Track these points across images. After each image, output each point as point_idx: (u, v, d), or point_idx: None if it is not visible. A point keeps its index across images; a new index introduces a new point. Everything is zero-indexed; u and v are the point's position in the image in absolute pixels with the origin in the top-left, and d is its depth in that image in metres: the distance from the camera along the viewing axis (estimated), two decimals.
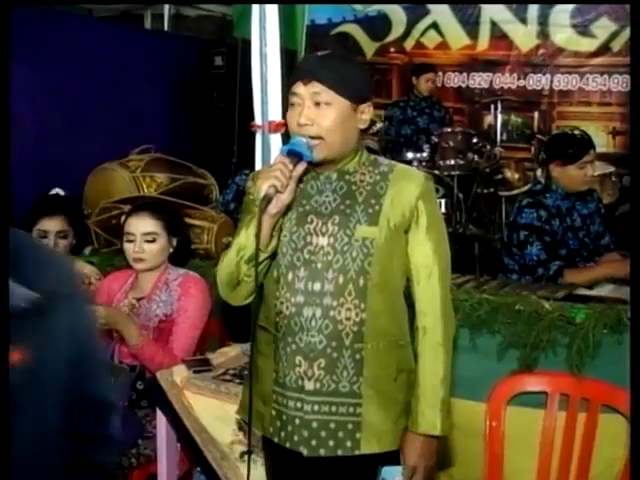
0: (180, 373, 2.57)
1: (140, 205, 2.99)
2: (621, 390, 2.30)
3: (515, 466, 2.41)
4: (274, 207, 1.75)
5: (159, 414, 2.59)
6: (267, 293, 1.90)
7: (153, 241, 2.85)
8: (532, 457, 2.40)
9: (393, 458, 1.89)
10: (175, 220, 3.01)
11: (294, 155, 1.77)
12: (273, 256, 1.86)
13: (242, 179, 4.41)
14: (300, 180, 1.84)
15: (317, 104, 1.80)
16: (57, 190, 3.40)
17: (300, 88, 1.81)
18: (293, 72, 1.89)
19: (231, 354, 2.78)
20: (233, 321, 3.11)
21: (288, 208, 1.83)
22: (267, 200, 1.73)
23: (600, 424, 2.35)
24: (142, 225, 2.86)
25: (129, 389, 2.71)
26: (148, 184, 4.79)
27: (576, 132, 3.37)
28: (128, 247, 2.86)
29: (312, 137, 1.80)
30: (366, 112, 1.87)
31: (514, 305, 2.52)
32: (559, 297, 2.69)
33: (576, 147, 3.22)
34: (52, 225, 3.12)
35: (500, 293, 2.72)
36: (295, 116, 1.82)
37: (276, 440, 1.91)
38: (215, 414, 2.48)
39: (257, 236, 1.75)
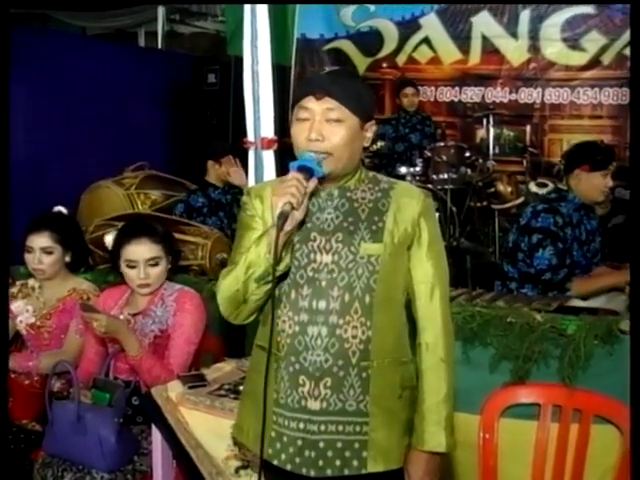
0: (175, 389, 2.58)
1: (135, 229, 2.92)
2: (613, 401, 2.32)
3: (509, 478, 2.42)
4: (288, 224, 1.70)
5: (154, 430, 2.59)
6: (267, 311, 1.86)
7: (156, 265, 2.85)
8: (526, 468, 2.41)
9: (397, 476, 1.88)
10: (171, 239, 3.01)
11: (305, 171, 1.74)
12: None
13: (193, 198, 4.50)
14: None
15: (327, 120, 1.78)
16: (59, 208, 3.43)
17: (312, 103, 1.79)
18: (302, 86, 1.87)
19: (226, 369, 2.78)
20: (228, 337, 3.12)
21: None
22: (284, 217, 1.68)
23: (593, 435, 2.37)
24: (144, 251, 2.83)
25: (124, 405, 2.71)
26: (142, 201, 4.82)
27: (599, 143, 3.50)
28: (131, 273, 2.84)
29: (320, 152, 1.77)
30: (370, 130, 1.87)
31: (506, 317, 2.54)
32: (551, 309, 2.71)
33: (604, 155, 3.32)
34: (37, 241, 3.13)
35: (492, 306, 2.73)
36: (304, 131, 1.79)
37: (275, 462, 1.86)
38: (210, 429, 2.49)
39: (274, 255, 1.71)
